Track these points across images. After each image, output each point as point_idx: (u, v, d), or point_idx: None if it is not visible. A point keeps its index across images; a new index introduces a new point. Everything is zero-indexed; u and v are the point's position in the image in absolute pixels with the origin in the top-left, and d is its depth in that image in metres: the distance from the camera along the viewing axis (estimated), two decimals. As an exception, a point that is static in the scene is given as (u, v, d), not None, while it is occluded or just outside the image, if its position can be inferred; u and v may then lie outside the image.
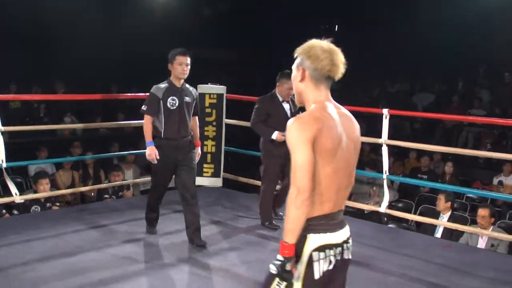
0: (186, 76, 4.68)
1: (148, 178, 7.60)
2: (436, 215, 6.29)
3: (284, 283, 2.22)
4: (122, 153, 7.87)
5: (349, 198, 7.73)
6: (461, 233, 5.81)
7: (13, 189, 5.32)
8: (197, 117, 5.01)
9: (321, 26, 14.77)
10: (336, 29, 15.17)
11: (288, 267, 2.16)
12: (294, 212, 2.13)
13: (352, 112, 2.41)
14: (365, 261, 4.54)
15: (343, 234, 2.30)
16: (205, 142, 6.39)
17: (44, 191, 6.02)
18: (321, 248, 2.21)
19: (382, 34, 12.96)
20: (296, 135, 2.15)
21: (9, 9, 10.56)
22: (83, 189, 6.81)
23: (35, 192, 6.11)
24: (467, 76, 13.29)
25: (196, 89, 6.56)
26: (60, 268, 4.18)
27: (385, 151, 5.56)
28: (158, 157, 4.64)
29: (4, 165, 5.22)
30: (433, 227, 6.19)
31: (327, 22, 15.04)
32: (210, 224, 5.43)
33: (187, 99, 4.73)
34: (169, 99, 4.65)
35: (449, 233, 5.93)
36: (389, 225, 6.40)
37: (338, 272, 2.30)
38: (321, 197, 2.21)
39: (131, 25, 12.26)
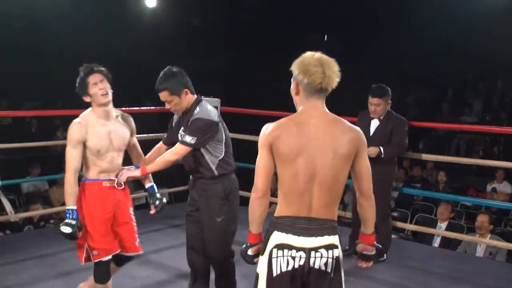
0: (178, 113, 3.51)
1: (142, 193, 7.59)
2: (433, 224, 6.30)
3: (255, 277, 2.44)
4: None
5: (344, 209, 7.72)
6: (459, 241, 5.81)
7: (8, 207, 5.24)
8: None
9: (311, 36, 14.81)
10: (325, 39, 15.19)
11: (250, 252, 2.49)
12: (250, 207, 2.45)
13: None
14: (364, 273, 4.51)
15: (312, 241, 2.34)
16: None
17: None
18: (280, 246, 2.34)
19: (369, 41, 13.00)
20: (259, 139, 2.42)
21: (3, 23, 10.46)
22: (78, 205, 6.72)
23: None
24: (456, 83, 13.34)
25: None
26: (58, 288, 4.13)
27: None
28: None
29: (-1, 183, 5.16)
30: (430, 237, 6.18)
31: (316, 32, 15.06)
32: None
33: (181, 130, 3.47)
34: (180, 132, 3.52)
35: (447, 242, 5.94)
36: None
37: (312, 283, 2.35)
38: (285, 199, 2.39)
39: (121, 37, 12.22)
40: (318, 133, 2.37)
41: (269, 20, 13.75)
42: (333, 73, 2.38)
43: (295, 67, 2.40)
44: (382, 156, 4.63)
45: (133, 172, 3.41)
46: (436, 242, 6.06)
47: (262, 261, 2.41)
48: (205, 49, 13.15)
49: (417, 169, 9.07)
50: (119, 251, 3.46)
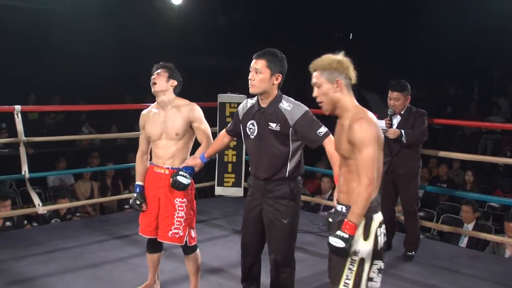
0: (254, 90, 3.17)
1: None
2: (460, 224, 6.20)
3: (356, 264, 2.56)
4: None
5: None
6: (487, 243, 5.71)
7: (36, 200, 5.30)
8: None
9: (336, 34, 14.72)
10: (350, 37, 15.07)
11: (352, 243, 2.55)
12: (365, 200, 2.51)
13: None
14: (393, 271, 4.47)
15: None
16: (226, 152, 6.34)
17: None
18: (380, 224, 2.62)
19: (395, 41, 12.86)
20: (368, 133, 2.51)
21: (27, 20, 10.57)
22: (105, 199, 6.81)
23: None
24: (482, 82, 13.09)
25: (217, 99, 6.53)
26: (85, 279, 4.18)
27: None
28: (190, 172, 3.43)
29: (27, 175, 5.22)
30: (457, 237, 6.08)
31: (341, 31, 14.96)
32: (233, 235, 5.42)
33: (272, 125, 3.14)
34: (248, 124, 3.26)
35: (474, 243, 5.83)
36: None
37: None
38: (377, 183, 2.58)
39: (146, 35, 12.27)
40: None
41: (292, 17, 13.68)
42: None
43: (340, 66, 2.59)
44: (404, 139, 4.61)
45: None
46: (463, 243, 5.95)
47: (368, 245, 2.57)
48: (231, 47, 13.14)
49: (443, 168, 8.92)
50: (154, 236, 3.65)
